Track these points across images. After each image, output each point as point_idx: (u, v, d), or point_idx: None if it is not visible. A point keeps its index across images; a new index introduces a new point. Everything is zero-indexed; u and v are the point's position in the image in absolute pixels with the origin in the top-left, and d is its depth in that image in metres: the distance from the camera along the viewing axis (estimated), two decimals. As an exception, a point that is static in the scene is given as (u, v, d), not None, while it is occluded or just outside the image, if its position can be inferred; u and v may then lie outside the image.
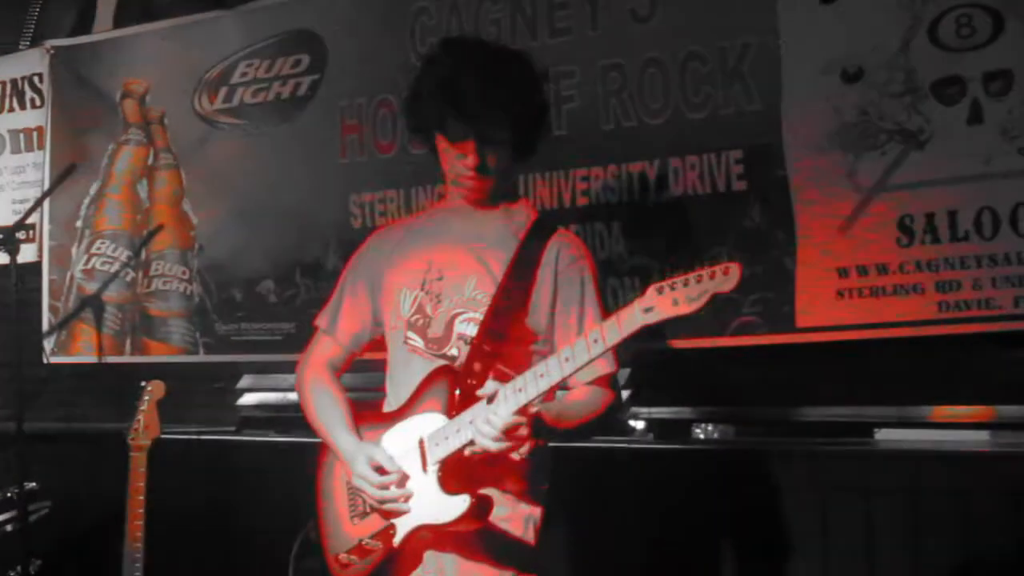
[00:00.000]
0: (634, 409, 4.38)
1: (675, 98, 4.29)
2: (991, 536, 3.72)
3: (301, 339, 3.46)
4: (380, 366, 3.23)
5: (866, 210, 3.94)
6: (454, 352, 3.00)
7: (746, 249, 4.09)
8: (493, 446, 2.75)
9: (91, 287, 5.77)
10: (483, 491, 2.88)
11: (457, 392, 2.90)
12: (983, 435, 4.00)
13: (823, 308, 4.00)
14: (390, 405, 3.13)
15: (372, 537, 3.00)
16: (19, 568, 4.56)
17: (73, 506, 5.09)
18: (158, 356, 5.57)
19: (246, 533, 4.94)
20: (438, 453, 2.88)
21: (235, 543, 4.99)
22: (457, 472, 2.88)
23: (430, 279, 3.06)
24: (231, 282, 5.39)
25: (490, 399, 2.77)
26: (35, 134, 6.10)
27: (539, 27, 4.58)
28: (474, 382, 2.88)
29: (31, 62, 6.11)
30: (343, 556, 3.07)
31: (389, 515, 2.97)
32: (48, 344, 5.89)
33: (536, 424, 2.80)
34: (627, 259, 4.35)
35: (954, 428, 3.99)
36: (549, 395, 2.83)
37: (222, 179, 5.45)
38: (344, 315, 3.24)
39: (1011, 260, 3.72)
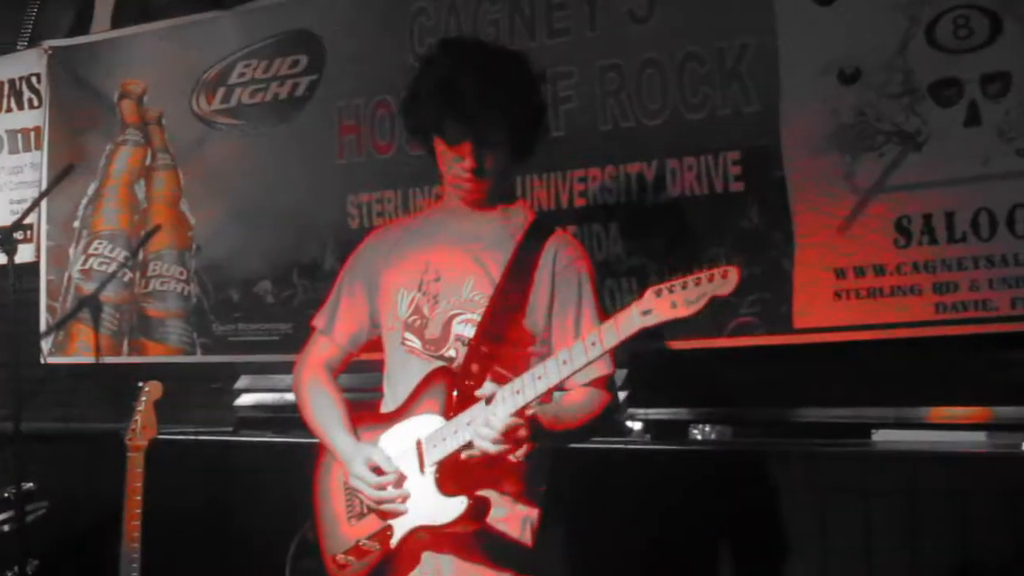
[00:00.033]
0: (631, 410, 4.38)
1: (673, 99, 4.29)
2: (989, 537, 3.71)
3: (298, 340, 3.45)
4: (377, 366, 3.22)
5: (864, 211, 3.94)
6: (452, 353, 2.99)
7: (744, 250, 4.10)
8: (491, 448, 2.75)
9: (89, 287, 5.77)
10: (480, 493, 2.87)
11: (455, 393, 2.90)
12: (980, 436, 4.00)
13: (821, 309, 4.00)
14: (387, 406, 3.13)
15: (369, 538, 3.00)
16: (16, 568, 4.55)
17: (70, 506, 5.09)
18: (155, 356, 5.57)
19: (243, 534, 4.94)
20: (436, 454, 2.88)
21: (232, 544, 4.99)
22: (455, 473, 2.88)
23: (427, 280, 3.06)
24: (228, 282, 5.39)
25: (488, 401, 2.77)
26: (33, 134, 6.10)
27: (537, 28, 4.58)
28: (472, 384, 2.87)
29: (29, 62, 6.11)
30: (340, 557, 3.07)
31: (386, 516, 2.97)
32: (45, 344, 5.89)
33: (532, 427, 2.79)
34: (625, 260, 4.35)
35: (951, 429, 3.99)
36: (546, 397, 2.83)
37: (220, 179, 5.45)
38: (341, 315, 3.24)
39: (1008, 261, 3.72)
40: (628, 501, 4.19)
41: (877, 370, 4.00)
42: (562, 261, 3.03)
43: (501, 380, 2.82)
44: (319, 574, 3.16)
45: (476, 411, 2.79)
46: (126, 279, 5.69)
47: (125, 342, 5.68)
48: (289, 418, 4.53)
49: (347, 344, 3.25)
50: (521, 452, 2.83)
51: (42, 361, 5.85)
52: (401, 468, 2.95)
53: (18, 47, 6.27)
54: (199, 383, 5.46)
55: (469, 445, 2.80)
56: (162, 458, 4.32)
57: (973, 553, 3.73)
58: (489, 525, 2.89)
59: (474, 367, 2.91)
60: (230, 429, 5.34)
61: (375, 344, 3.23)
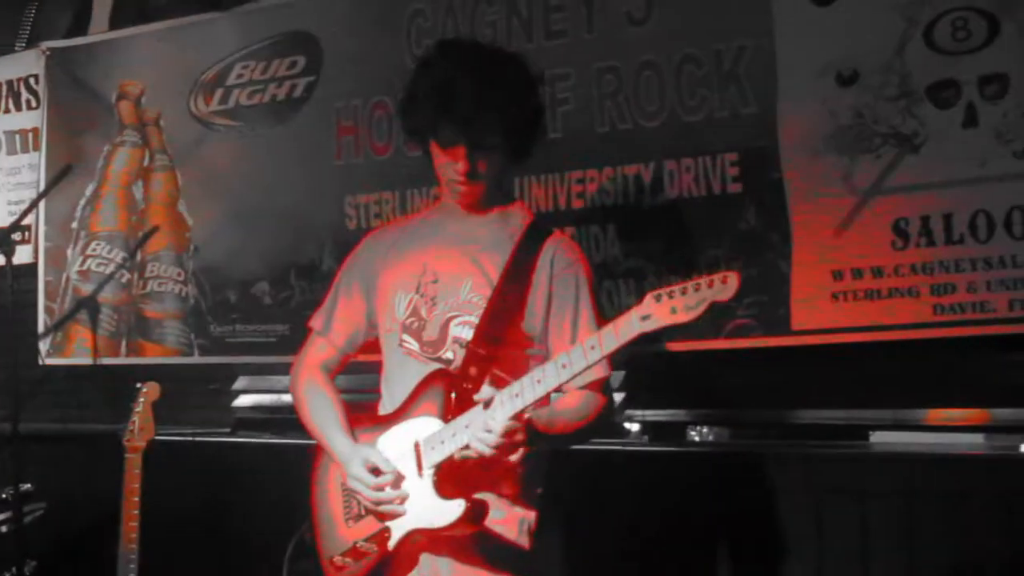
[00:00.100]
0: (629, 411, 4.37)
1: (670, 101, 4.28)
2: (986, 539, 3.71)
3: (296, 341, 3.45)
4: (374, 368, 3.22)
5: (861, 213, 3.94)
6: (449, 355, 2.99)
7: (741, 251, 4.10)
8: (489, 451, 2.75)
9: (87, 288, 5.76)
10: (478, 495, 2.88)
11: (453, 396, 2.90)
12: (978, 438, 4.00)
13: (818, 311, 3.99)
14: (385, 407, 3.13)
15: (367, 540, 3.00)
16: (14, 569, 4.55)
17: (68, 507, 5.09)
18: (153, 358, 5.57)
19: (241, 535, 4.94)
20: (434, 457, 2.88)
21: (230, 545, 4.99)
22: (452, 476, 2.88)
23: (425, 282, 3.06)
24: (226, 284, 5.39)
25: (486, 405, 2.77)
26: (31, 135, 6.10)
27: (535, 29, 4.58)
28: (470, 386, 2.88)
29: (27, 63, 6.11)
30: (338, 559, 3.07)
31: (384, 517, 2.97)
32: (44, 345, 5.88)
33: (528, 430, 2.80)
34: (622, 261, 4.35)
35: (949, 431, 3.98)
36: (543, 400, 2.83)
37: (218, 181, 5.45)
38: (338, 316, 3.24)
39: (1006, 263, 3.72)
40: (625, 502, 4.19)
41: (874, 372, 4.00)
42: (560, 263, 3.03)
43: (499, 383, 2.82)
44: (316, 575, 3.16)
45: (475, 414, 2.80)
46: (124, 280, 5.69)
47: (123, 343, 5.68)
48: (287, 419, 4.51)
49: (344, 345, 3.25)
50: (517, 455, 2.83)
51: (40, 362, 5.84)
52: (399, 470, 2.95)
53: (16, 48, 6.27)
54: (197, 384, 5.46)
55: (467, 448, 2.80)
56: (160, 459, 4.32)
57: (971, 555, 3.74)
58: (487, 527, 2.90)
59: (472, 370, 2.91)
60: (228, 430, 5.34)
61: (372, 345, 3.23)
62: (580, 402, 2.99)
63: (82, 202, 5.84)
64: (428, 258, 3.08)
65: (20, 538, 4.58)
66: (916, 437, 4.04)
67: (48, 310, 5.90)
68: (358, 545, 3.02)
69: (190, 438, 5.21)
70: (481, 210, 3.09)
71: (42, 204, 5.68)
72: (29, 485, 4.62)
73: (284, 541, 4.38)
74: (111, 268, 5.72)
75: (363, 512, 3.03)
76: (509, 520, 2.98)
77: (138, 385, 4.35)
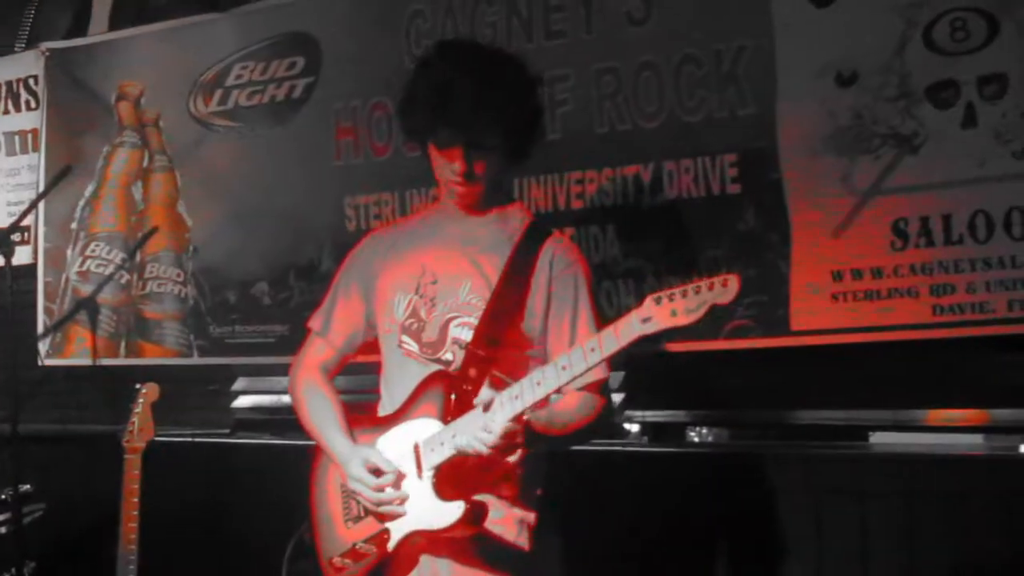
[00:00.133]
0: (628, 412, 4.37)
1: (670, 101, 4.28)
2: (985, 540, 3.71)
3: (295, 341, 3.45)
4: (373, 369, 3.22)
5: (860, 213, 3.94)
6: (449, 356, 2.99)
7: (740, 252, 4.10)
8: (487, 451, 2.75)
9: (86, 289, 5.76)
10: (478, 497, 2.88)
11: (453, 397, 2.90)
12: (977, 439, 4.01)
13: (817, 311, 3.99)
14: (384, 409, 3.13)
15: (366, 541, 3.00)
16: (14, 570, 4.55)
17: (68, 508, 5.08)
18: (152, 358, 5.57)
19: (240, 535, 4.94)
20: (433, 459, 2.88)
21: (229, 545, 4.99)
22: (452, 478, 2.88)
23: (424, 283, 3.05)
24: (225, 284, 5.39)
25: (486, 408, 2.76)
26: (30, 136, 6.10)
27: (535, 30, 4.58)
28: (470, 388, 2.87)
29: (26, 64, 6.11)
30: (337, 560, 3.07)
31: (384, 518, 2.97)
32: (43, 346, 5.88)
33: (526, 432, 2.80)
34: (622, 262, 4.35)
35: (948, 432, 3.99)
36: (543, 402, 2.82)
37: (217, 181, 5.45)
38: (337, 317, 3.24)
39: (1005, 264, 3.72)
40: (625, 503, 4.19)
41: (874, 372, 4.00)
42: (559, 264, 3.03)
43: (499, 384, 2.81)
44: (316, 576, 3.16)
45: (474, 416, 2.79)
46: (123, 281, 5.69)
47: (122, 344, 5.68)
48: (286, 420, 4.51)
49: (343, 346, 3.25)
50: (515, 456, 2.83)
51: (39, 363, 5.84)
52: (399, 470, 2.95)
53: (16, 49, 6.27)
54: (196, 385, 5.46)
55: (465, 448, 2.80)
56: (159, 460, 4.32)
57: (970, 556, 3.73)
58: (486, 529, 2.89)
59: (472, 371, 2.91)
60: (227, 431, 5.35)
61: (371, 346, 3.23)
62: (579, 403, 2.98)
63: (81, 203, 5.84)
64: (427, 259, 3.08)
65: (19, 539, 4.58)
66: (916, 438, 4.05)
67: (47, 311, 5.90)
68: (357, 546, 3.01)
69: (189, 439, 5.22)
70: (480, 211, 3.09)
71: (41, 205, 5.69)
72: (28, 486, 4.62)
73: (283, 542, 4.38)
74: (110, 269, 5.72)
75: (362, 513, 3.02)
76: (508, 521, 2.97)
77: (137, 386, 4.35)
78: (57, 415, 5.79)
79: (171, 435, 4.94)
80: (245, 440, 5.23)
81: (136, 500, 4.20)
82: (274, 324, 5.20)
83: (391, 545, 2.95)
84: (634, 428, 4.43)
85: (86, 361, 5.66)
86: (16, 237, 4.90)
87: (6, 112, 6.19)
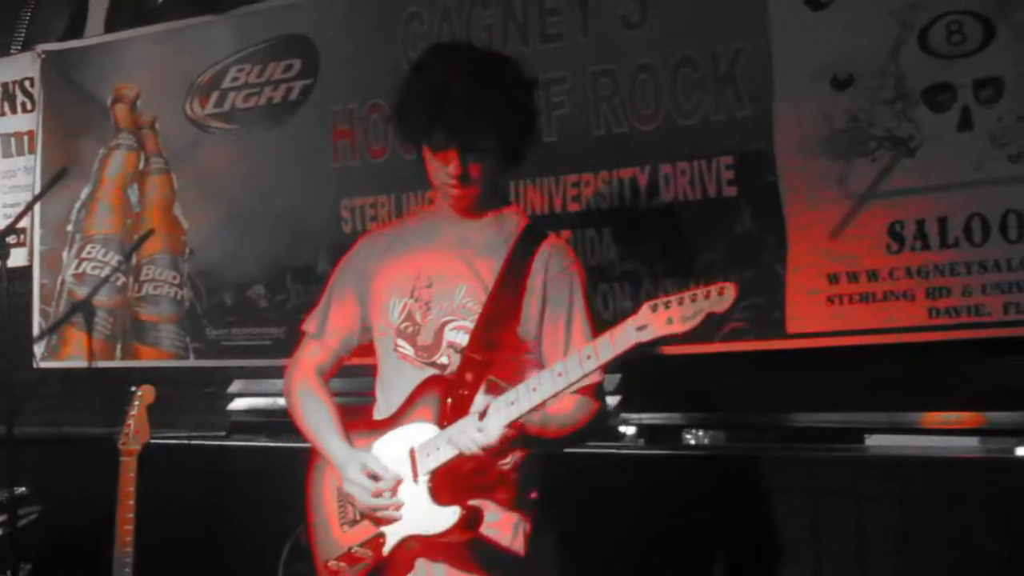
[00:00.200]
0: (624, 415, 4.38)
1: (666, 104, 4.29)
2: (981, 542, 3.71)
3: (291, 344, 3.45)
4: (369, 371, 3.22)
5: (856, 216, 3.94)
6: (444, 360, 2.98)
7: (736, 255, 4.10)
8: (481, 452, 2.75)
9: (82, 291, 5.76)
10: (473, 502, 2.87)
11: (449, 402, 2.89)
12: (973, 441, 4.01)
13: (814, 314, 4.00)
14: (380, 412, 3.12)
15: (361, 545, 3.00)
16: (9, 572, 4.55)
17: (63, 511, 5.09)
18: (148, 361, 5.57)
19: (236, 538, 4.94)
20: (429, 464, 2.87)
21: (225, 548, 4.99)
22: (448, 483, 2.87)
23: (419, 286, 3.04)
24: (222, 287, 5.39)
25: (481, 416, 2.76)
26: (26, 138, 6.10)
27: (530, 33, 4.58)
28: (466, 392, 2.87)
29: (22, 66, 6.11)
30: (332, 563, 3.06)
31: (380, 522, 2.97)
32: (38, 348, 5.88)
33: (520, 435, 2.80)
34: (618, 265, 4.35)
35: (944, 434, 4.00)
36: (537, 407, 2.82)
37: (213, 184, 5.45)
38: (332, 319, 3.22)
39: (1001, 267, 3.72)
40: (621, 506, 4.18)
41: (870, 375, 4.00)
42: (554, 268, 3.02)
43: (495, 388, 2.82)
44: (312, 579, 3.16)
45: (470, 421, 2.79)
46: (119, 283, 5.69)
47: (118, 346, 5.68)
48: (282, 422, 4.51)
49: (338, 348, 3.24)
50: (509, 460, 2.83)
51: (35, 365, 5.85)
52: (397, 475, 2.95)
53: (11, 51, 6.26)
54: (192, 387, 5.46)
55: (460, 452, 2.80)
56: (155, 462, 4.31)
57: (967, 558, 3.73)
58: (482, 533, 2.89)
59: (468, 375, 2.90)
60: (223, 433, 5.35)
61: (367, 348, 3.22)
62: (573, 407, 2.97)
63: (77, 205, 5.84)
64: (422, 262, 3.07)
65: (15, 541, 4.58)
66: (912, 440, 4.05)
67: (43, 313, 5.89)
68: (353, 550, 3.01)
69: (185, 441, 5.22)
70: (475, 214, 3.09)
71: (37, 207, 5.68)
72: (24, 488, 4.62)
73: (279, 544, 4.37)
74: (106, 271, 5.72)
75: (358, 517, 3.02)
76: (504, 525, 2.97)
77: (133, 388, 4.34)
78: (53, 417, 5.79)
79: (167, 437, 4.92)
80: (241, 442, 5.23)
81: (132, 502, 4.19)
82: (270, 326, 5.20)
83: (387, 549, 2.95)
84: (630, 431, 4.44)
85: (82, 363, 5.66)
86: (12, 239, 4.93)
87: (2, 114, 6.19)
